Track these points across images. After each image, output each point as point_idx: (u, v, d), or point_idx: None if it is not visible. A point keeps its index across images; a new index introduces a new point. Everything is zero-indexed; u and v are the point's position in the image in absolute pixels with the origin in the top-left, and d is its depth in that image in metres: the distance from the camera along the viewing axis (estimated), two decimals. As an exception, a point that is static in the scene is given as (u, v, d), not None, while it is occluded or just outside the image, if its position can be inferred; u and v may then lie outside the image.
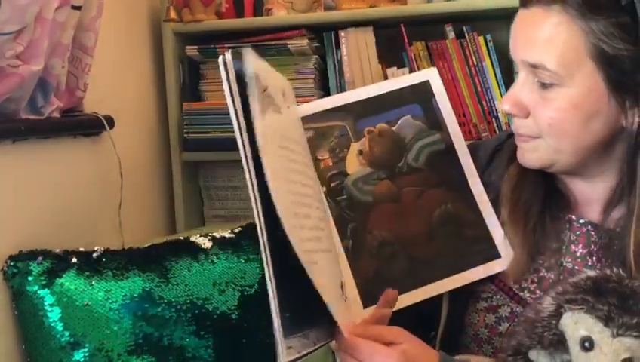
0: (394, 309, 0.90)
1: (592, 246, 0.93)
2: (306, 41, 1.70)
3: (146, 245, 1.30)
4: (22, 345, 1.20)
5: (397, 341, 0.80)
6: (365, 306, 0.90)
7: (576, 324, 0.76)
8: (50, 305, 1.17)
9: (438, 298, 0.96)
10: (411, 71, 1.70)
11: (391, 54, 1.74)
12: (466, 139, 1.00)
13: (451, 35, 1.71)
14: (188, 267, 1.27)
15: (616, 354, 0.73)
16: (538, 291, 0.93)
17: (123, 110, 1.61)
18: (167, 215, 1.86)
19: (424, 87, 1.00)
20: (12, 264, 1.19)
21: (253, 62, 0.75)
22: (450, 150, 0.98)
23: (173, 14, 1.74)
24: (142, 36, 1.79)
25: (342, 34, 1.73)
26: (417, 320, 0.94)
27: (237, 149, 0.73)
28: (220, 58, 0.74)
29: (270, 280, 0.71)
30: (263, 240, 0.72)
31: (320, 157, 0.96)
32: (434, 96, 0.99)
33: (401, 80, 1.00)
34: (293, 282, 0.73)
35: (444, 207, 0.96)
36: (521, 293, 0.94)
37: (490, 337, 0.96)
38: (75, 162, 1.45)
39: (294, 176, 0.80)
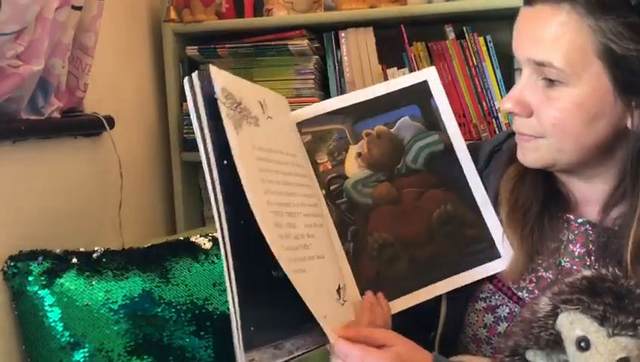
0: (396, 311, 0.91)
1: (590, 246, 0.93)
2: (306, 42, 1.70)
3: (146, 245, 1.30)
4: (22, 345, 1.20)
5: (389, 343, 0.80)
6: None
7: (572, 324, 0.76)
8: (51, 306, 1.17)
9: (437, 298, 0.96)
10: (411, 71, 1.70)
11: (391, 55, 1.74)
12: (466, 140, 1.00)
13: (451, 35, 1.71)
14: (188, 267, 1.27)
15: (612, 354, 0.73)
16: (536, 291, 0.93)
17: (123, 110, 1.61)
18: (167, 215, 1.86)
19: (422, 88, 0.99)
20: (12, 264, 1.19)
21: (223, 79, 0.75)
22: (449, 150, 0.98)
23: (173, 14, 1.74)
24: (142, 36, 1.79)
25: (342, 34, 1.73)
26: (417, 321, 0.95)
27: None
28: (186, 79, 0.74)
29: (232, 295, 0.72)
30: (226, 254, 0.72)
31: (319, 161, 0.96)
32: (432, 96, 0.99)
33: (398, 81, 1.00)
34: (265, 294, 0.74)
35: (444, 207, 0.96)
36: (519, 293, 0.94)
37: (489, 337, 0.96)
38: (76, 162, 1.45)
39: (276, 187, 0.80)
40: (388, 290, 0.92)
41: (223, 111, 0.74)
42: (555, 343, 0.77)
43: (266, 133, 0.83)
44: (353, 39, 1.73)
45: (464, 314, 0.99)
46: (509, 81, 1.70)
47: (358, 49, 1.73)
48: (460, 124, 1.67)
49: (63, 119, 1.38)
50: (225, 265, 0.72)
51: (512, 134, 1.03)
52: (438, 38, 1.72)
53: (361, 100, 0.98)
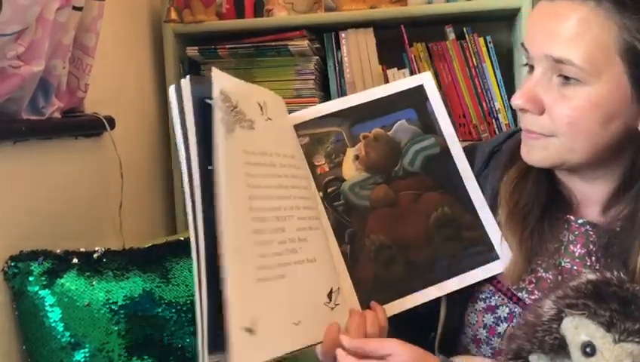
0: (392, 314, 0.91)
1: (591, 246, 0.92)
2: (306, 42, 1.70)
3: (147, 245, 1.31)
4: (22, 346, 1.21)
5: (394, 353, 0.81)
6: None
7: (577, 329, 0.75)
8: (51, 306, 1.17)
9: (437, 299, 0.96)
10: (412, 72, 1.71)
11: (391, 55, 1.74)
12: (466, 140, 1.00)
13: (452, 36, 1.71)
14: (188, 267, 1.27)
15: (618, 360, 0.73)
16: (536, 291, 0.93)
17: (124, 111, 1.61)
18: (167, 215, 1.86)
19: (418, 92, 1.00)
20: (13, 264, 1.20)
21: (223, 82, 0.75)
22: (445, 153, 0.98)
23: (173, 15, 1.74)
24: (142, 37, 1.79)
25: (342, 35, 1.73)
26: (416, 322, 0.95)
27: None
28: (172, 87, 0.75)
29: (200, 299, 0.73)
30: (199, 258, 0.73)
31: (316, 163, 0.96)
32: (428, 100, 1.00)
33: (395, 85, 1.01)
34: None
35: (441, 210, 0.96)
36: (519, 294, 0.94)
37: (489, 338, 0.96)
38: (76, 162, 1.45)
39: (264, 192, 0.81)
40: (385, 293, 0.92)
41: (217, 114, 0.74)
42: (560, 347, 0.77)
43: (262, 135, 0.83)
44: (353, 40, 1.73)
45: (464, 314, 0.98)
46: (509, 82, 1.71)
47: (358, 49, 1.73)
48: (460, 125, 1.69)
49: (64, 119, 1.38)
50: (195, 267, 0.73)
51: (511, 135, 1.03)
52: (439, 39, 1.72)
53: (358, 103, 0.99)
